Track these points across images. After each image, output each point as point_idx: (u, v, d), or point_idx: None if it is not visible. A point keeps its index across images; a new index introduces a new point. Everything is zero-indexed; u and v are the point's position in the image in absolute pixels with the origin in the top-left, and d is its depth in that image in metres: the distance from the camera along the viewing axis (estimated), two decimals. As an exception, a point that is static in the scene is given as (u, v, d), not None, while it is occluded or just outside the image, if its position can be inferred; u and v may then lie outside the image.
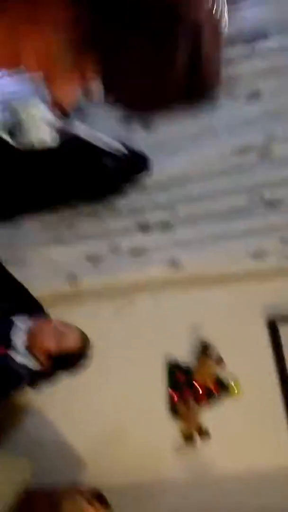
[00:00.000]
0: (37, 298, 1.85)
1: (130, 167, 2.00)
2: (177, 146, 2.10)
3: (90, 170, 1.93)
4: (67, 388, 2.02)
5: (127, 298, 2.20)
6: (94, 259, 2.14)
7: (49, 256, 2.08)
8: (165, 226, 2.14)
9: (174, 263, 2.12)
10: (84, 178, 1.95)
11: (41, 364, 1.70)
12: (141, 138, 2.05)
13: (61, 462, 2.12)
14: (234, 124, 2.14)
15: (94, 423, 2.13)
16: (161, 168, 2.08)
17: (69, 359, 1.71)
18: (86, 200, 2.07)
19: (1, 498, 1.80)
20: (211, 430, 2.14)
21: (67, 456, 2.14)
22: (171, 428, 2.16)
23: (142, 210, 2.13)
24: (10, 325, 1.71)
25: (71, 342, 1.70)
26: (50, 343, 1.67)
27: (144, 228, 2.14)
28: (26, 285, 1.83)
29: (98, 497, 1.95)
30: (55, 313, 1.88)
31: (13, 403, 2.08)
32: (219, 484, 2.11)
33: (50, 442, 2.14)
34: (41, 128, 1.75)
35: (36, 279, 1.95)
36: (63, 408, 2.13)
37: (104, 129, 1.94)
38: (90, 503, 1.91)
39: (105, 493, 1.97)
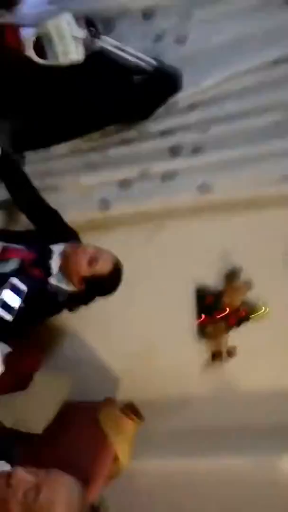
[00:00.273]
0: (70, 225, 1.86)
1: (161, 84, 1.91)
2: (210, 61, 1.98)
3: (119, 88, 1.85)
4: (101, 311, 2.10)
5: (158, 224, 2.20)
6: (125, 185, 2.12)
7: (80, 182, 2.06)
8: (197, 149, 2.07)
9: (204, 188, 2.08)
10: (112, 97, 1.86)
11: (76, 287, 1.75)
12: (173, 53, 1.94)
13: (97, 380, 2.25)
14: (270, 34, 1.99)
15: (127, 343, 2.23)
16: (194, 86, 1.98)
17: (102, 282, 1.75)
18: (116, 123, 1.99)
19: (44, 411, 1.95)
20: (238, 350, 2.24)
21: (102, 374, 2.27)
22: (199, 348, 2.26)
23: (173, 133, 2.05)
24: (48, 252, 1.74)
25: (104, 266, 1.73)
26: (83, 267, 1.70)
27: (175, 151, 2.08)
28: (59, 212, 1.83)
29: (132, 409, 2.09)
30: (88, 239, 1.90)
31: (52, 326, 2.18)
32: (243, 401, 2.24)
33: (87, 361, 2.26)
34: (67, 41, 1.64)
35: (69, 206, 1.95)
36: (98, 330, 2.23)
37: (134, 44, 1.83)
38: (125, 414, 2.05)
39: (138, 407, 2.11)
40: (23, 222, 2.09)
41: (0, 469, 1.07)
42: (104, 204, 2.14)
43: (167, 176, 2.11)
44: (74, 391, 2.15)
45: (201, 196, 2.10)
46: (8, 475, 1.01)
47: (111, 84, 1.86)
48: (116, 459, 1.98)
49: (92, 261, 1.69)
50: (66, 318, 2.08)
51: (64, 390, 2.07)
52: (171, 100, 2.02)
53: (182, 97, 2.03)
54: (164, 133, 2.10)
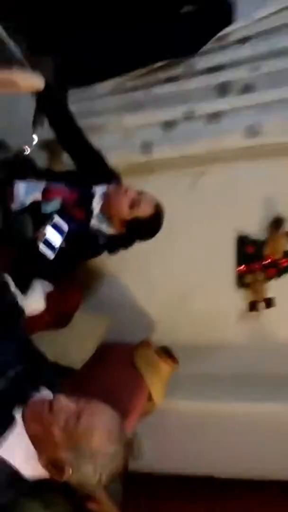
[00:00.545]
0: (112, 167, 1.82)
1: (212, 16, 1.77)
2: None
3: (166, 19, 1.73)
4: (141, 255, 2.10)
5: (201, 168, 2.13)
6: (168, 126, 2.05)
7: (123, 123, 2.00)
8: (247, 87, 1.95)
9: (252, 130, 1.97)
10: (159, 28, 1.75)
11: (116, 229, 1.75)
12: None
13: (134, 323, 2.29)
14: None
15: (165, 287, 2.24)
16: (246, 18, 1.84)
17: (142, 226, 1.73)
18: (162, 58, 1.89)
19: (82, 349, 2.02)
20: (276, 301, 2.21)
21: (139, 317, 2.31)
22: (237, 296, 2.24)
23: (222, 69, 1.94)
24: (90, 193, 1.73)
25: (145, 209, 1.71)
26: (125, 209, 1.69)
27: (223, 90, 1.97)
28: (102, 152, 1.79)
29: (167, 353, 2.13)
30: (129, 183, 1.87)
31: (91, 268, 2.21)
32: (277, 351, 2.23)
33: (124, 304, 2.30)
34: None
35: (111, 148, 1.90)
36: (136, 273, 2.25)
37: None
38: (160, 356, 2.10)
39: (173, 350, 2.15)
40: (66, 163, 2.07)
41: (43, 396, 1.13)
42: (147, 147, 2.08)
43: (213, 117, 2.01)
44: (111, 333, 2.21)
45: (249, 139, 1.99)
46: (51, 402, 1.06)
47: (158, 14, 1.74)
48: (150, 398, 2.05)
49: (133, 204, 1.67)
50: (106, 261, 2.10)
51: (102, 330, 2.13)
52: (221, 34, 1.89)
53: (233, 30, 1.90)
54: (212, 70, 1.99)
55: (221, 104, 2.00)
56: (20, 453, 1.01)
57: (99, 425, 1.03)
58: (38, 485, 1.04)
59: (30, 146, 1.50)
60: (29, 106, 2.00)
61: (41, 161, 2.13)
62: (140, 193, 1.72)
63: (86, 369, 1.96)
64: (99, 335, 2.09)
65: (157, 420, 2.11)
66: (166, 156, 2.09)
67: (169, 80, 2.00)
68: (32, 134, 1.49)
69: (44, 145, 2.17)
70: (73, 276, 2.11)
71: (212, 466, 2.15)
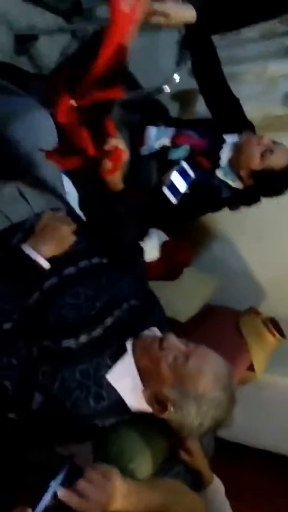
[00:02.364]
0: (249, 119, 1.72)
1: None
2: None
3: None
4: (260, 219, 2.00)
5: None
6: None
7: (267, 72, 1.86)
8: None
9: None
10: None
11: (244, 182, 1.65)
12: None
13: (242, 289, 2.22)
14: None
15: (279, 256, 2.12)
16: None
17: (272, 177, 1.61)
18: None
19: (189, 303, 2.01)
20: None
21: (248, 284, 2.22)
22: None
23: None
24: (221, 141, 1.65)
25: (278, 159, 1.59)
26: (256, 158, 1.58)
27: None
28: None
29: (274, 325, 2.02)
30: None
31: (207, 224, 2.16)
32: None
33: (234, 268, 2.22)
34: None
35: (250, 97, 1.78)
36: (251, 238, 2.15)
37: None
38: (267, 327, 2.00)
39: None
40: (199, 114, 2.01)
41: (154, 333, 1.12)
42: (288, 99, 1.91)
43: None
44: (218, 295, 2.15)
45: None
46: (162, 339, 1.04)
47: None
48: (250, 367, 1.98)
49: (266, 153, 1.56)
50: (223, 219, 2.02)
51: (209, 291, 2.08)
52: None
53: None
54: None
55: None
56: (127, 382, 1.02)
57: (208, 369, 1.00)
58: (138, 417, 1.06)
59: (169, 85, 1.45)
60: (169, 46, 1.97)
61: (173, 112, 2.09)
62: (274, 143, 1.60)
63: (190, 325, 1.94)
64: (206, 294, 2.05)
65: (253, 392, 2.04)
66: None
67: None
68: (174, 73, 1.44)
69: (177, 95, 2.13)
70: (188, 230, 2.09)
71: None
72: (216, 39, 1.71)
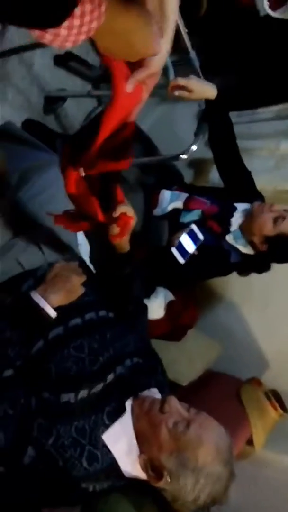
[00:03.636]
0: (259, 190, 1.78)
1: None
2: None
3: None
4: (268, 287, 2.01)
5: None
6: None
7: (280, 149, 1.95)
8: None
9: None
10: None
11: (256, 247, 1.68)
12: None
13: (245, 357, 2.17)
14: None
15: (286, 327, 2.09)
16: None
17: (286, 243, 1.63)
18: None
19: (191, 367, 1.96)
20: None
21: (252, 353, 2.17)
22: None
23: None
24: (231, 208, 1.70)
25: None
26: (269, 224, 1.61)
27: None
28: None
29: (277, 398, 1.95)
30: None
31: (213, 287, 2.16)
32: None
33: (239, 334, 2.19)
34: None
35: (262, 172, 1.86)
36: (258, 305, 2.13)
37: None
38: (269, 400, 1.93)
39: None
40: (212, 181, 2.08)
41: (154, 394, 1.09)
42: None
43: None
44: (219, 361, 2.11)
45: None
46: (163, 401, 1.01)
47: None
48: (249, 441, 1.89)
49: (278, 219, 1.60)
50: (231, 283, 2.02)
51: (213, 356, 2.05)
52: None
53: None
54: None
55: None
56: (123, 444, 0.97)
57: (209, 439, 0.95)
58: (131, 484, 1.00)
59: (187, 154, 1.53)
60: (188, 117, 2.09)
61: (188, 177, 2.18)
62: (286, 210, 1.64)
63: (190, 389, 1.89)
64: (210, 359, 2.01)
65: (251, 467, 1.93)
66: None
67: None
68: (193, 144, 1.52)
69: (192, 162, 2.22)
70: (193, 291, 2.09)
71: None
72: (233, 115, 1.83)
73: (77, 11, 0.52)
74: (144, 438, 0.98)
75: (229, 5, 1.93)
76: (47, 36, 0.53)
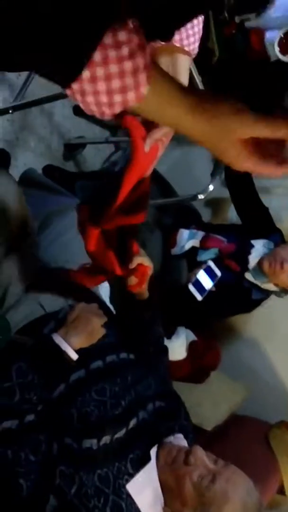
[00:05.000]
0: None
1: None
2: None
3: None
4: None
5: None
6: None
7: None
8: None
9: None
10: None
11: (276, 284, 1.66)
12: None
13: (273, 397, 2.08)
14: None
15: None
16: None
17: None
18: None
19: (216, 411, 1.89)
20: None
21: (279, 394, 2.09)
22: None
23: None
24: (248, 246, 1.70)
25: None
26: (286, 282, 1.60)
27: None
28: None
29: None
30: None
31: (236, 325, 2.12)
32: None
33: (264, 375, 2.12)
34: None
35: (280, 209, 1.86)
36: (284, 341, 2.07)
37: None
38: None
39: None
40: (230, 219, 2.09)
41: (179, 441, 1.05)
42: None
43: None
44: (246, 404, 2.03)
45: None
46: (188, 452, 0.96)
47: None
48: (280, 490, 1.79)
49: None
50: (254, 321, 1.98)
51: (239, 398, 1.97)
52: None
53: None
54: None
55: None
56: (148, 494, 0.93)
57: (235, 496, 0.90)
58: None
59: (204, 194, 1.55)
60: (204, 158, 2.13)
61: (205, 216, 2.19)
62: None
63: (216, 434, 1.81)
64: (236, 402, 1.93)
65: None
66: None
67: None
68: (210, 184, 1.55)
69: (210, 201, 2.25)
70: (215, 332, 2.05)
71: None
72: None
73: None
74: (168, 490, 0.94)
75: (241, 56, 2.01)
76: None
